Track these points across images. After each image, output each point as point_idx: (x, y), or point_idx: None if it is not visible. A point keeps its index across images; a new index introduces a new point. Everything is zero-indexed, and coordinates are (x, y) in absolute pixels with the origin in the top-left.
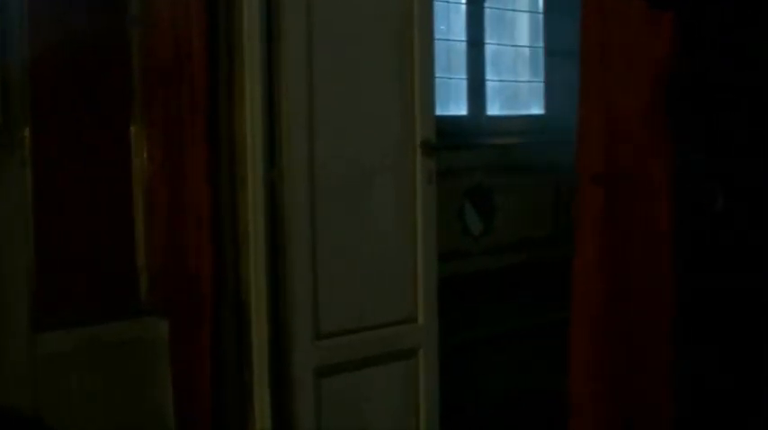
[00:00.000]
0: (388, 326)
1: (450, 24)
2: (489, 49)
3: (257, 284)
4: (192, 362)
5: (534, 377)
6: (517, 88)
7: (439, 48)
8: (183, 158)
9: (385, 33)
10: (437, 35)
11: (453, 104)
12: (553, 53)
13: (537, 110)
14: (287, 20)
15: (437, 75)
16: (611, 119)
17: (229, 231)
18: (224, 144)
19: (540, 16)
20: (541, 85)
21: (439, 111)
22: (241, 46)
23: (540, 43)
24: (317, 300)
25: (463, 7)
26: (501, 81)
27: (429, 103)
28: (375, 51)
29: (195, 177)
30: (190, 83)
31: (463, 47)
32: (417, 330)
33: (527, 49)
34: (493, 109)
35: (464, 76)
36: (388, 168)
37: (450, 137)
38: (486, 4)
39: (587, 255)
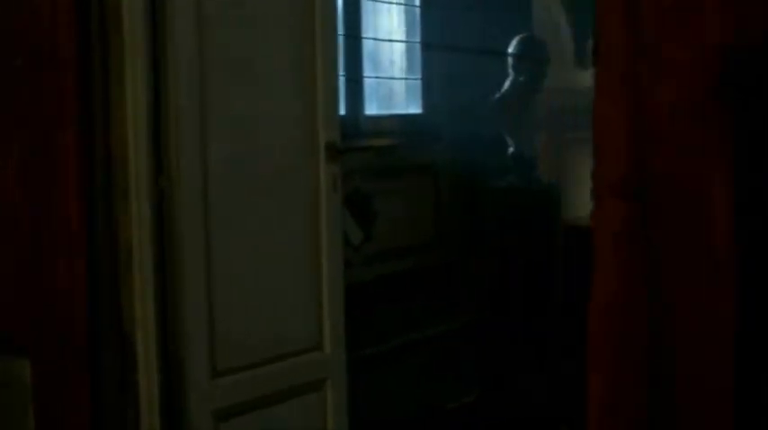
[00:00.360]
0: (292, 356)
1: None
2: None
3: (144, 316)
4: (63, 411)
5: (434, 392)
6: (393, 86)
7: None
8: (49, 166)
9: (285, 27)
10: None
11: None
12: (430, 48)
13: (414, 109)
14: (175, 11)
15: None
16: (641, 114)
17: (107, 252)
18: (99, 148)
19: (417, 9)
20: (418, 82)
21: None
22: (120, 34)
23: (417, 38)
24: (214, 331)
25: None
26: (378, 78)
27: (333, 102)
28: (274, 45)
29: (64, 188)
30: (55, 76)
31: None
32: (324, 359)
33: (402, 45)
34: (370, 108)
35: (341, 72)
36: (290, 175)
37: None
38: None
39: (607, 284)
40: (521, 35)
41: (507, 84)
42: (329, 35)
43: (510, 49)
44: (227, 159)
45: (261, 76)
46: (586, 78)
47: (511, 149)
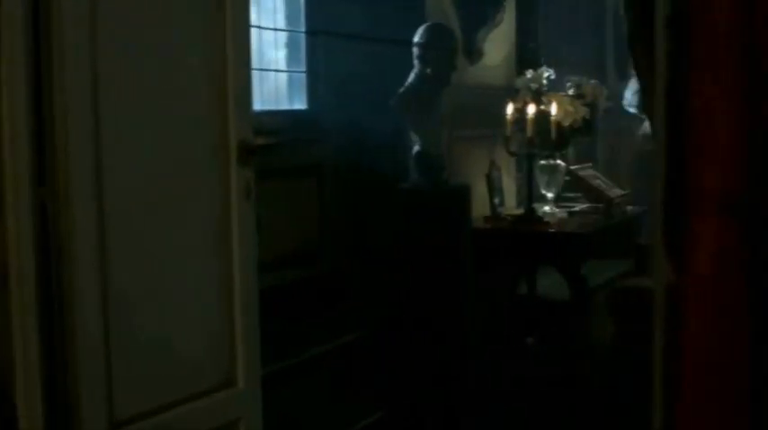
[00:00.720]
0: (201, 396)
1: None
2: None
3: (26, 357)
4: None
5: (334, 415)
6: (277, 80)
7: None
8: None
9: (191, 15)
10: None
11: None
12: (316, 37)
13: (299, 104)
14: None
15: None
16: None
17: None
18: None
19: None
20: (303, 76)
21: None
22: None
23: (302, 27)
24: (111, 372)
25: None
26: (261, 70)
27: (246, 96)
28: (179, 35)
29: None
30: None
31: None
32: (238, 397)
33: (285, 34)
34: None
35: None
36: (198, 181)
37: None
38: None
39: (701, 323)
40: (428, 23)
41: (412, 76)
42: (241, 22)
43: (416, 38)
44: (124, 165)
45: (165, 69)
46: (474, 74)
47: (416, 148)
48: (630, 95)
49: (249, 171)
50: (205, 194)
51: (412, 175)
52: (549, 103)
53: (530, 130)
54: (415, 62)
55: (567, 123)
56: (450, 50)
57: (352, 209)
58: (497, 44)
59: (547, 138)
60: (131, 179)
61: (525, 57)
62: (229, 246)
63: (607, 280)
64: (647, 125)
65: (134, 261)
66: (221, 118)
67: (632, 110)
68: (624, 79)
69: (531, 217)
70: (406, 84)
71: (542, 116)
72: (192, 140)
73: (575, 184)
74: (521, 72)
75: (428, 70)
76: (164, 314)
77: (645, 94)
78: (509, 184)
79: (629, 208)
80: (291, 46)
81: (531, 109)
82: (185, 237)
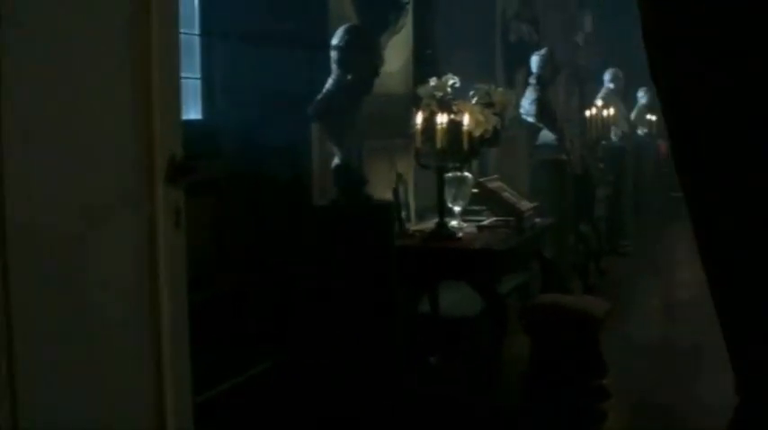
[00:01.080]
0: None
1: None
2: None
3: None
4: None
5: None
6: None
7: None
8: None
9: (112, 12)
10: None
11: None
12: (213, 41)
13: (193, 114)
14: None
15: None
16: None
17: None
18: None
19: None
20: (198, 83)
21: None
22: None
23: (196, 29)
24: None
25: None
26: None
27: (175, 103)
28: (99, 42)
29: None
30: None
31: None
32: None
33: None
34: None
35: None
36: (117, 206)
37: None
38: None
39: None
40: (347, 24)
41: (330, 82)
42: (169, 21)
43: (334, 41)
44: (34, 194)
45: (80, 77)
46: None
47: (335, 161)
48: (528, 104)
49: (179, 192)
50: (126, 223)
51: (319, 190)
52: (460, 112)
53: (440, 141)
54: (334, 67)
55: (478, 133)
56: (372, 54)
57: (254, 228)
58: (396, 51)
59: (458, 149)
60: (42, 212)
61: (422, 64)
62: (156, 281)
63: (508, 291)
64: (543, 134)
65: (45, 309)
66: (146, 129)
67: (530, 119)
68: (512, 87)
69: (441, 233)
70: (324, 90)
71: (454, 126)
72: (112, 156)
73: (483, 197)
74: (419, 80)
75: (348, 76)
76: (79, 361)
77: (659, 91)
78: (410, 197)
79: (538, 220)
80: (184, 50)
81: (443, 119)
82: (104, 273)
